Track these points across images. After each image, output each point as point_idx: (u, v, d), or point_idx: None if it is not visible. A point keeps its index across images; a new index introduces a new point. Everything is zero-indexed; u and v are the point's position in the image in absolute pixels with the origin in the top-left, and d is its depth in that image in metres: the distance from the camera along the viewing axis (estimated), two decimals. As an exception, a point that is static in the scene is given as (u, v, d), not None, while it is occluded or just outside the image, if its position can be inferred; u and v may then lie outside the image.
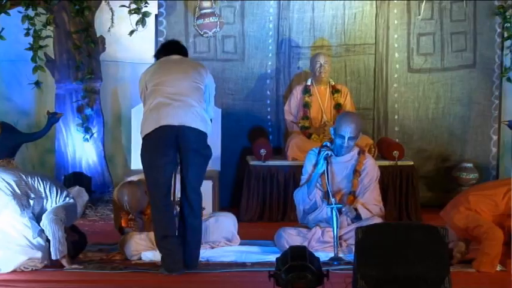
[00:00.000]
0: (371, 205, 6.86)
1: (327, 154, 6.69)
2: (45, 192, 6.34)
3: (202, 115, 6.16)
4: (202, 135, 6.15)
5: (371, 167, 6.97)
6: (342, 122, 6.87)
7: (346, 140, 6.78)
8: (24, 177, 6.36)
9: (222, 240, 6.98)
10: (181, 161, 6.15)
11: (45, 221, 6.16)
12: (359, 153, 6.98)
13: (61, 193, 6.42)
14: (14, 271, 6.04)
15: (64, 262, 6.21)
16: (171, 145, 6.06)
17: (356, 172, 6.92)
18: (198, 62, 6.79)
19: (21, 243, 6.11)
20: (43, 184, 6.37)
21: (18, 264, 6.06)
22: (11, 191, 6.19)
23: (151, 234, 6.41)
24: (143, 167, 6.24)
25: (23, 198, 6.22)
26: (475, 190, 6.58)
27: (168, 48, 6.59)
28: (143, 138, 6.15)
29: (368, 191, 6.90)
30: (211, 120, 6.35)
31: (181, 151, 6.10)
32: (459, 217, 6.30)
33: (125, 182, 6.94)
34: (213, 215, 7.06)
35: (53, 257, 6.15)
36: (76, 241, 6.50)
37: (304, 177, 6.98)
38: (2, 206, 6.13)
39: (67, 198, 6.43)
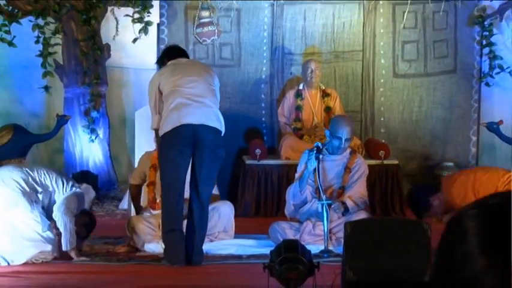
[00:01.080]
0: (357, 198, 6.87)
1: (318, 155, 6.69)
2: (52, 185, 6.32)
3: (217, 115, 6.19)
4: (218, 134, 6.17)
5: (361, 165, 7.01)
6: (338, 125, 6.91)
7: (343, 141, 6.81)
8: (31, 173, 6.35)
9: (221, 229, 6.96)
10: (194, 159, 6.13)
11: (57, 213, 6.15)
12: (351, 153, 7.01)
13: (67, 183, 6.40)
14: (25, 263, 6.03)
15: (73, 254, 6.21)
16: (188, 143, 6.06)
17: (347, 169, 6.94)
18: (205, 64, 6.80)
19: (32, 237, 6.11)
20: (49, 177, 6.35)
21: (30, 256, 6.06)
22: (20, 189, 6.18)
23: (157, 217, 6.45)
24: (160, 163, 6.24)
25: (32, 194, 6.22)
26: (483, 170, 6.46)
27: (175, 52, 6.60)
28: (162, 136, 6.12)
29: (355, 185, 6.92)
30: None
31: (196, 149, 6.09)
32: (457, 190, 6.18)
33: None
34: (211, 206, 6.99)
35: (64, 248, 6.15)
36: (87, 223, 6.49)
37: (297, 175, 7.00)
38: (13, 204, 6.13)
39: (74, 188, 6.41)
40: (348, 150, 7.01)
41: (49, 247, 6.16)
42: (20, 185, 6.22)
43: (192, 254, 6.08)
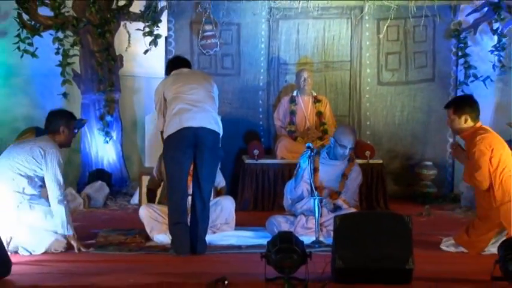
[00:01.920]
0: (348, 199, 6.88)
1: (310, 155, 6.66)
2: (36, 166, 6.10)
3: (216, 119, 6.18)
4: (216, 136, 6.15)
5: (358, 173, 6.99)
6: (344, 134, 6.89)
7: (347, 150, 6.81)
8: (18, 166, 6.09)
9: (223, 221, 6.95)
10: (196, 159, 6.11)
11: (52, 204, 6.06)
12: (349, 160, 6.99)
13: (42, 156, 6.08)
14: (45, 253, 6.01)
15: (73, 242, 6.13)
16: (190, 144, 6.04)
17: (344, 176, 6.93)
18: (205, 73, 6.77)
19: (47, 228, 6.07)
20: (30, 161, 6.08)
21: (48, 245, 6.02)
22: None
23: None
24: (165, 162, 6.22)
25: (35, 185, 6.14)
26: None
27: (178, 63, 6.62)
28: (166, 138, 6.12)
29: (349, 192, 6.91)
30: None
31: (197, 149, 6.06)
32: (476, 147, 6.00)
33: None
34: (214, 200, 6.97)
35: (64, 233, 6.06)
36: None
37: (295, 172, 7.00)
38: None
39: (47, 157, 6.07)
40: (347, 157, 6.99)
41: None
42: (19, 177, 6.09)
43: (196, 244, 6.06)
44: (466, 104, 6.19)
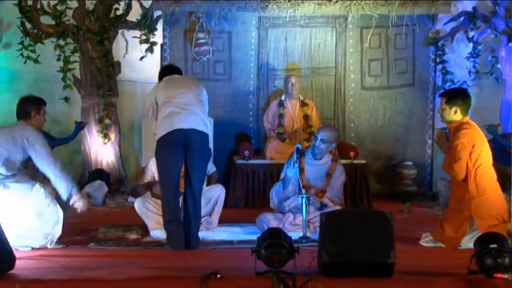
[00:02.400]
0: (334, 197, 6.88)
1: (299, 155, 6.66)
2: (16, 151, 5.98)
3: (204, 120, 6.17)
4: (205, 137, 6.14)
5: (340, 173, 6.97)
6: (322, 129, 7.01)
7: (318, 140, 6.80)
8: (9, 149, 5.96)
9: (211, 207, 6.92)
10: (186, 159, 6.09)
11: (54, 182, 5.99)
12: (332, 160, 6.98)
13: (27, 144, 5.97)
14: (46, 248, 5.98)
15: (80, 200, 6.06)
16: (180, 145, 6.03)
17: (328, 175, 6.92)
18: (195, 79, 6.71)
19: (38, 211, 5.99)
20: (11, 147, 5.95)
21: (44, 235, 5.97)
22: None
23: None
24: (158, 163, 6.21)
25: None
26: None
27: (169, 70, 6.62)
28: (158, 140, 6.11)
29: (334, 190, 6.91)
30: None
31: (188, 150, 6.05)
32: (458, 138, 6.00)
33: None
34: (205, 188, 6.85)
35: (66, 196, 6.00)
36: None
37: (282, 175, 6.98)
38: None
39: (32, 143, 5.97)
40: (330, 157, 6.97)
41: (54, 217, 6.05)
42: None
43: (190, 240, 6.05)
44: (459, 97, 6.15)
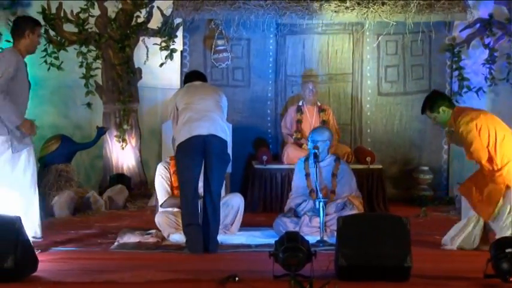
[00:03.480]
0: (355, 194, 6.88)
1: (315, 160, 6.65)
2: None
3: (223, 127, 6.17)
4: (224, 143, 6.14)
5: (346, 170, 6.97)
6: (311, 132, 7.14)
7: (314, 143, 6.89)
8: None
9: (232, 219, 6.89)
10: (205, 164, 6.10)
11: None
12: (335, 160, 6.97)
13: None
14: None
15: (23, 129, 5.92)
16: (199, 151, 6.03)
17: (333, 175, 6.91)
18: (215, 86, 6.78)
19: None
20: None
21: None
22: None
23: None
24: (177, 167, 6.21)
25: None
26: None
27: (192, 76, 6.64)
28: (178, 146, 6.12)
29: (347, 186, 6.88)
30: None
31: (206, 155, 6.05)
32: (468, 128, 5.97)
33: None
34: (224, 199, 6.85)
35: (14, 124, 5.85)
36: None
37: (293, 190, 6.99)
38: None
39: None
40: (333, 158, 6.98)
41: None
42: None
43: (209, 243, 6.04)
44: (435, 98, 6.17)
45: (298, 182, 7.05)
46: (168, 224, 6.55)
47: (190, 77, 6.65)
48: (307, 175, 6.85)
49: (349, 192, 6.95)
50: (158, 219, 6.64)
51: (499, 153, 5.92)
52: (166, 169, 6.81)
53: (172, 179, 6.74)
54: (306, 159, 7.02)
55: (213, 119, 6.11)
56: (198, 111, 6.10)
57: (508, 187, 5.91)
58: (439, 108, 6.10)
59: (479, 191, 5.99)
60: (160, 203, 6.80)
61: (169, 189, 6.76)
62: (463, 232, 6.08)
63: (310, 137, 6.98)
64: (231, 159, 6.44)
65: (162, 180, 6.79)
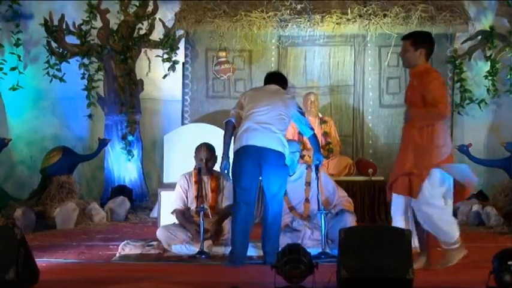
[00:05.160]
0: (344, 201, 6.75)
1: (317, 172, 6.59)
2: None
3: (281, 140, 6.09)
4: (280, 155, 6.08)
5: (324, 178, 6.72)
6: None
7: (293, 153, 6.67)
8: None
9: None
10: (262, 176, 6.08)
11: None
12: (306, 168, 6.82)
13: None
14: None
15: None
16: (254, 161, 6.00)
17: (307, 183, 6.74)
18: (287, 94, 6.55)
19: None
20: None
21: None
22: None
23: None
24: (232, 173, 6.16)
25: None
26: None
27: (270, 78, 6.57)
28: (234, 152, 6.10)
29: (336, 193, 6.75)
30: (312, 129, 6.42)
31: (262, 167, 6.03)
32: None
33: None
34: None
35: None
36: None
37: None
38: None
39: None
40: (304, 166, 6.85)
41: None
42: None
43: (267, 250, 6.03)
44: (425, 39, 5.89)
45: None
46: (169, 238, 6.55)
47: (268, 78, 6.58)
48: (307, 184, 6.72)
49: (338, 196, 6.78)
50: (159, 234, 6.64)
51: None
52: (187, 180, 6.80)
53: (193, 189, 6.73)
54: (308, 167, 6.90)
55: (270, 131, 6.07)
56: (257, 122, 6.08)
57: None
58: (419, 49, 5.79)
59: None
60: (171, 210, 6.81)
61: (185, 200, 6.76)
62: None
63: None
64: (289, 173, 6.43)
65: (180, 191, 6.79)
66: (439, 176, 5.64)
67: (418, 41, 5.85)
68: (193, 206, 6.66)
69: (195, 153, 6.75)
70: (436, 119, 5.71)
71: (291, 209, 6.69)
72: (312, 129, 6.46)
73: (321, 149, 8.71)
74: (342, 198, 6.76)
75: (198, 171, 6.64)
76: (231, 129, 6.29)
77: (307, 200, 6.73)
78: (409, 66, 5.95)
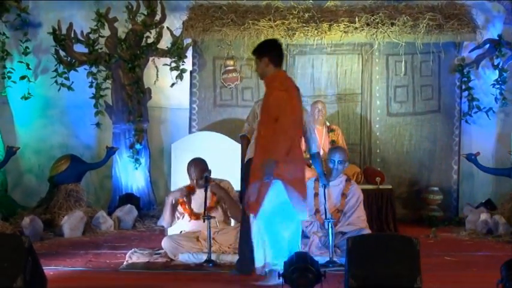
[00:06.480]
0: (357, 222, 6.81)
1: (324, 185, 6.64)
2: None
3: None
4: None
5: (355, 191, 6.93)
6: (332, 151, 7.05)
7: (336, 163, 6.85)
8: None
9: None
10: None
11: None
12: (346, 180, 6.97)
13: None
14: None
15: None
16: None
17: (343, 195, 6.89)
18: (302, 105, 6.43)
19: None
20: None
21: None
22: None
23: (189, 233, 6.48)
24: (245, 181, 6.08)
25: None
26: None
27: None
28: (247, 161, 5.96)
29: (355, 212, 6.85)
30: (318, 147, 6.30)
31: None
32: None
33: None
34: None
35: None
36: None
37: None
38: None
39: None
40: (344, 178, 6.96)
41: None
42: None
43: None
44: (265, 47, 5.79)
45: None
46: (175, 248, 6.55)
47: None
48: (316, 195, 6.83)
49: (357, 215, 6.89)
50: (164, 244, 6.64)
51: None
52: (177, 194, 6.82)
53: (178, 207, 6.78)
54: (316, 179, 7.00)
55: None
56: None
57: None
58: (263, 58, 5.70)
59: None
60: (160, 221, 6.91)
61: (172, 206, 6.80)
62: None
63: (337, 157, 6.89)
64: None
65: (169, 201, 6.82)
66: None
67: (260, 52, 5.77)
68: (186, 220, 6.69)
69: (188, 171, 6.75)
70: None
71: (317, 211, 6.72)
72: (318, 147, 6.40)
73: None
74: (358, 219, 6.81)
75: (205, 179, 6.62)
76: (247, 143, 6.20)
77: (339, 211, 6.86)
78: (262, 78, 5.88)
